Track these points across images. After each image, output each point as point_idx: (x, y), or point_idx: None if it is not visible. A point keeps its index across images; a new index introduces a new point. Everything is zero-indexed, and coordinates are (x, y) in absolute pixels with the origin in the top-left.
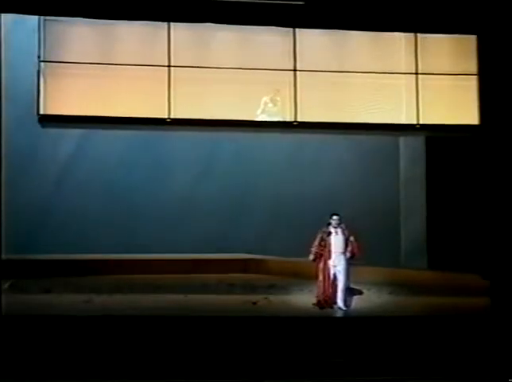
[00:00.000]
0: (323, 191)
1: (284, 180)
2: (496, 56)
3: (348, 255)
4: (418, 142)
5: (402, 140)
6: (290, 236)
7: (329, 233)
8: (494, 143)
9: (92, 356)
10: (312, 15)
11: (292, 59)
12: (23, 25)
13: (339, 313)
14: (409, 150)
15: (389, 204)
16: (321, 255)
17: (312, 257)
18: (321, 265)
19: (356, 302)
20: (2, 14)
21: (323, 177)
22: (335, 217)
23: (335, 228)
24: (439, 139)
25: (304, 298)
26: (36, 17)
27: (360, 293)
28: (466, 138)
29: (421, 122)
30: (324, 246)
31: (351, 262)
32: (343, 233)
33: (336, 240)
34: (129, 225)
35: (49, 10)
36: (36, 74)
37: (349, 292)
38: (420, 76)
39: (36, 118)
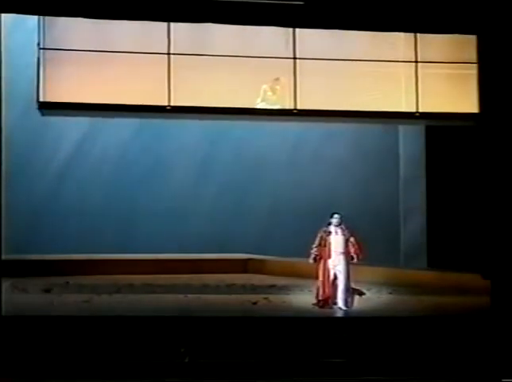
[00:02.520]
0: (323, 190)
1: (283, 179)
2: (496, 46)
3: (355, 258)
4: (418, 141)
5: (402, 139)
6: (290, 235)
7: (329, 233)
8: (494, 133)
9: (92, 356)
10: (312, 15)
11: (291, 47)
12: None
13: (339, 313)
14: (409, 150)
15: (389, 204)
16: (321, 257)
17: (311, 260)
18: (321, 265)
19: (356, 302)
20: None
21: (323, 176)
22: (335, 216)
23: (335, 226)
24: (439, 138)
25: (304, 298)
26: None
27: (361, 294)
28: (466, 137)
29: (421, 110)
30: (324, 245)
31: (352, 262)
32: (343, 233)
33: (336, 240)
34: (129, 224)
35: (49, 10)
36: (36, 62)
37: (350, 292)
38: (419, 64)
39: (35, 117)
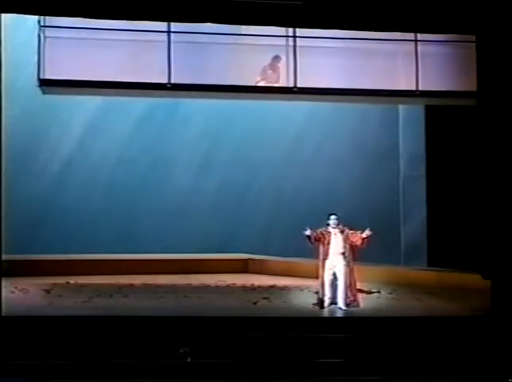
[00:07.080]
0: (323, 189)
1: (284, 178)
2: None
3: (364, 243)
4: (418, 139)
5: (402, 137)
6: (290, 234)
7: (329, 233)
8: (492, 113)
9: (92, 356)
10: (311, 15)
11: None
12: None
13: (339, 313)
14: (409, 147)
15: (389, 202)
16: (319, 239)
17: (308, 232)
18: (321, 265)
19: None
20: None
21: (323, 174)
22: (332, 217)
23: (333, 228)
24: (440, 137)
25: (304, 298)
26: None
27: (364, 292)
28: (467, 136)
29: (421, 88)
30: (324, 238)
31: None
32: (342, 233)
33: (336, 241)
34: (129, 223)
35: (49, 10)
36: (37, 39)
37: (353, 292)
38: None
39: (35, 117)
